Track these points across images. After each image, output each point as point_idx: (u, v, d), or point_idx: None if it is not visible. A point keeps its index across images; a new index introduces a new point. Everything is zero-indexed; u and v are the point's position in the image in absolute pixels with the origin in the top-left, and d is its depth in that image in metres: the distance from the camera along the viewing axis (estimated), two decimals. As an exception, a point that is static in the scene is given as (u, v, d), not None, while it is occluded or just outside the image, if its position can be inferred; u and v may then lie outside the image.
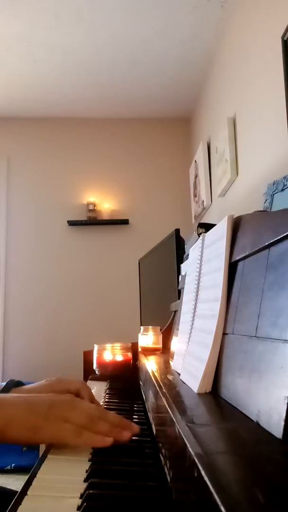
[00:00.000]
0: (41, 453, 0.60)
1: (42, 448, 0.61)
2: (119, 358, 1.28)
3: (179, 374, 0.74)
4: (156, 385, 0.68)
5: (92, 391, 0.79)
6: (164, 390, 0.62)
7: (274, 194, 1.61)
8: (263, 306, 0.47)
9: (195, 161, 3.13)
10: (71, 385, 0.73)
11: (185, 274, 1.08)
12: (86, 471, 0.52)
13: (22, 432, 0.55)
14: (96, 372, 1.28)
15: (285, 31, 1.57)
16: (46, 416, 0.56)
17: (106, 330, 3.25)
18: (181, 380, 0.70)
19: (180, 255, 1.88)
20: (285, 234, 0.45)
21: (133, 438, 0.66)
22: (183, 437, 0.38)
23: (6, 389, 0.74)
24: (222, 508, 0.24)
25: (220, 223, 0.70)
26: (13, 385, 0.77)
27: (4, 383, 0.76)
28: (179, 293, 1.22)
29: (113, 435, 0.57)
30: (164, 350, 1.26)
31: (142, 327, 1.30)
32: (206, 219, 2.89)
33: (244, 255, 0.58)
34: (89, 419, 0.57)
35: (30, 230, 3.54)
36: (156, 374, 0.80)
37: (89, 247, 3.54)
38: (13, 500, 0.46)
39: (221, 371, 0.57)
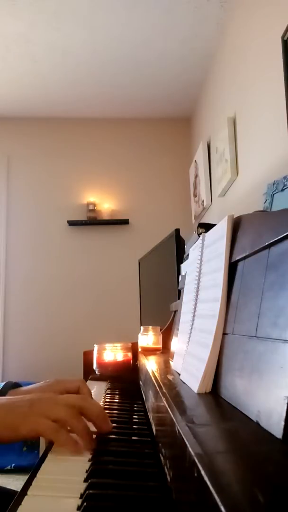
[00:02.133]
0: (41, 453, 0.60)
1: (42, 448, 0.61)
2: (119, 358, 1.28)
3: (179, 374, 0.74)
4: (156, 385, 0.68)
5: (92, 391, 0.79)
6: (164, 390, 0.62)
7: (274, 194, 1.61)
8: (263, 306, 0.47)
9: (195, 161, 3.13)
10: (70, 385, 0.73)
11: (185, 274, 1.08)
12: (86, 471, 0.52)
13: (3, 431, 0.58)
14: (96, 372, 1.28)
15: (285, 31, 1.57)
16: (25, 415, 0.58)
17: (106, 330, 3.25)
18: (181, 380, 0.70)
19: (180, 255, 1.88)
20: (285, 234, 0.45)
21: (133, 438, 0.66)
22: (183, 437, 0.38)
23: (4, 391, 0.75)
24: (222, 508, 0.24)
25: (220, 223, 0.70)
26: (10, 387, 0.77)
27: (2, 383, 0.77)
28: (179, 293, 1.22)
29: (93, 427, 0.61)
30: (164, 350, 1.26)
31: (142, 327, 1.30)
32: (206, 219, 2.89)
33: (244, 255, 0.58)
34: (69, 413, 0.59)
35: (30, 230, 3.54)
36: (156, 374, 0.80)
37: (89, 247, 3.54)
38: (13, 500, 0.46)
39: (221, 371, 0.57)
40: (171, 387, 0.65)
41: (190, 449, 0.34)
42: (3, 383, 0.77)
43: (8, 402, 0.61)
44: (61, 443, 0.57)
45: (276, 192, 1.60)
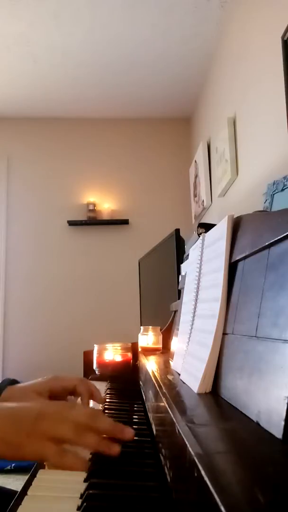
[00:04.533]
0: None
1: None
2: (119, 358, 1.28)
3: (179, 374, 0.74)
4: (156, 385, 0.68)
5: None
6: (164, 390, 0.62)
7: (274, 194, 1.61)
8: (263, 306, 0.47)
9: (195, 161, 3.13)
10: (68, 383, 0.73)
11: (185, 274, 1.08)
12: (86, 471, 0.52)
13: (5, 448, 0.53)
14: (96, 372, 1.28)
15: (285, 31, 1.57)
16: (30, 433, 0.53)
17: (106, 330, 3.25)
18: (181, 380, 0.70)
19: (180, 255, 1.88)
20: (285, 234, 0.45)
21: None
22: (183, 437, 0.38)
23: (1, 388, 0.74)
24: (222, 508, 0.24)
25: (220, 223, 0.70)
26: (8, 383, 0.76)
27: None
28: (179, 293, 1.22)
29: (100, 449, 0.54)
30: (164, 350, 1.26)
31: (142, 327, 1.30)
32: (206, 219, 2.89)
33: (244, 255, 0.58)
34: (76, 432, 0.54)
35: (30, 230, 3.54)
36: (156, 374, 0.80)
37: (89, 247, 3.54)
38: (13, 500, 0.46)
39: (221, 371, 0.57)
40: (171, 387, 0.65)
41: (190, 449, 0.34)
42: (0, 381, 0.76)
43: (11, 414, 0.56)
44: (68, 467, 0.53)
45: (276, 192, 1.60)
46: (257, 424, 0.40)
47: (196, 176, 3.13)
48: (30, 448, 0.52)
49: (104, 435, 0.56)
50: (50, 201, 3.57)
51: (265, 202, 1.67)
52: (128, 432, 0.56)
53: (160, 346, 1.27)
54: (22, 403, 0.60)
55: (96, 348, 1.30)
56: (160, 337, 1.29)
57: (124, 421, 0.78)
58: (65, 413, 0.56)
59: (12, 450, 0.53)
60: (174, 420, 0.44)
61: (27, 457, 0.53)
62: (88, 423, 0.55)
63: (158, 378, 0.74)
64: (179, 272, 1.71)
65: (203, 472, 0.30)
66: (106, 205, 3.56)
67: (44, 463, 0.55)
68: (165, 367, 0.92)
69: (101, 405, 0.84)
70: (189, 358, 0.71)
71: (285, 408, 0.35)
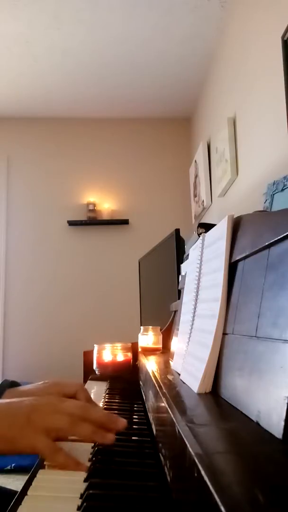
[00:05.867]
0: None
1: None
2: (119, 358, 1.28)
3: (179, 374, 0.74)
4: (156, 385, 0.68)
5: (92, 391, 0.79)
6: (164, 390, 0.62)
7: (274, 194, 1.61)
8: (263, 306, 0.47)
9: (195, 161, 3.13)
10: (68, 388, 0.73)
11: (185, 274, 1.08)
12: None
13: (0, 443, 0.54)
14: (96, 372, 1.28)
15: (285, 31, 1.57)
16: (23, 427, 0.54)
17: (106, 330, 3.25)
18: (181, 380, 0.70)
19: (180, 255, 1.88)
20: (285, 234, 0.45)
21: (133, 438, 0.66)
22: (183, 437, 0.38)
23: (0, 390, 0.73)
24: (222, 508, 0.24)
25: (220, 223, 0.70)
26: (8, 385, 0.76)
27: None
28: (179, 293, 1.22)
29: (95, 438, 0.55)
30: (164, 350, 1.26)
31: (142, 327, 1.30)
32: (206, 219, 2.89)
33: (244, 255, 0.58)
34: (70, 421, 0.55)
35: (30, 230, 3.54)
36: (156, 374, 0.80)
37: (89, 247, 3.54)
38: (13, 500, 0.46)
39: (221, 371, 0.57)
40: (171, 387, 0.65)
41: (190, 449, 0.34)
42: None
43: (5, 409, 0.56)
44: (59, 464, 0.53)
45: (276, 192, 1.60)
46: (257, 424, 0.40)
47: (196, 176, 3.13)
48: (23, 441, 0.53)
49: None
50: (50, 201, 3.57)
51: (265, 202, 1.67)
52: (121, 422, 0.58)
53: (160, 346, 1.27)
54: (15, 399, 0.61)
55: (96, 348, 1.30)
56: (160, 337, 1.29)
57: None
58: (58, 405, 0.57)
59: (6, 444, 0.53)
60: (174, 420, 0.44)
61: (21, 450, 0.53)
62: (81, 414, 0.56)
63: (158, 378, 0.74)
64: (179, 272, 1.71)
65: (203, 472, 0.30)
66: (106, 205, 3.56)
67: (44, 463, 0.56)
68: (165, 367, 0.92)
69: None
70: (189, 358, 0.71)
71: (285, 408, 0.35)
